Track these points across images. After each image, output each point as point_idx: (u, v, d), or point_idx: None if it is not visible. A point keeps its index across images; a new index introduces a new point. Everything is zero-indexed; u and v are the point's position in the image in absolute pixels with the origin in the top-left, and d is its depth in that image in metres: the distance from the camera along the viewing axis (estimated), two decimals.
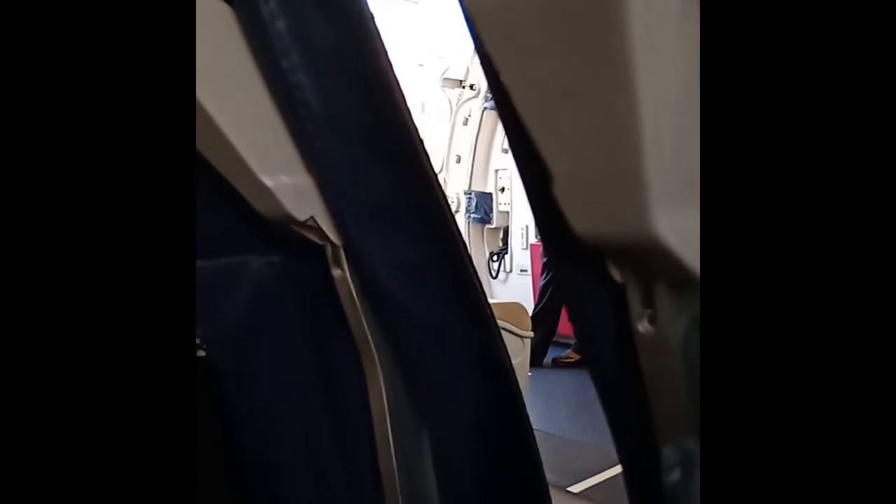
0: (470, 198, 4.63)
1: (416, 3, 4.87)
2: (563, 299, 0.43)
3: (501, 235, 4.77)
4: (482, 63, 0.37)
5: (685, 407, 0.40)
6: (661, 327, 0.39)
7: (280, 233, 0.58)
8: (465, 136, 4.70)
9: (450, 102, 4.79)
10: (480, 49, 0.35)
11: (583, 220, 0.35)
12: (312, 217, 0.55)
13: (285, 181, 0.53)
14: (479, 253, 4.77)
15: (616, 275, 0.39)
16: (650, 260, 0.35)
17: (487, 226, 4.74)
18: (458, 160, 4.70)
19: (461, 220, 4.66)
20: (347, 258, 0.57)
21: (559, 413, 3.14)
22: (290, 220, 0.55)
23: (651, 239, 0.32)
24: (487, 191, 4.70)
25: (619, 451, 0.44)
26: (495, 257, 4.78)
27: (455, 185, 4.73)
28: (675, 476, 0.34)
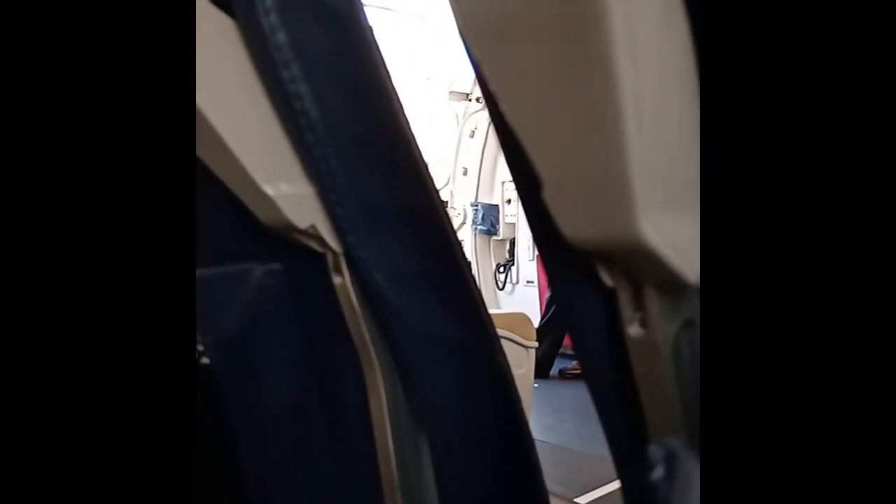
0: (476, 209, 4.64)
1: (423, 17, 4.91)
2: (556, 303, 0.44)
3: (508, 247, 4.78)
4: (475, 72, 0.38)
5: (676, 409, 0.41)
6: (652, 331, 0.39)
7: (281, 241, 0.59)
8: (472, 149, 4.73)
9: (456, 115, 4.82)
10: (471, 57, 0.36)
11: (571, 225, 0.36)
12: (313, 225, 0.56)
13: (286, 189, 0.54)
14: (485, 264, 4.78)
15: (606, 279, 0.39)
16: (637, 263, 0.36)
17: (494, 237, 4.75)
18: (465, 172, 4.72)
19: (468, 231, 4.67)
20: (347, 265, 0.58)
21: (566, 424, 3.13)
22: (291, 227, 0.56)
23: (635, 242, 0.33)
24: (494, 202, 4.71)
25: (613, 453, 0.45)
26: (502, 269, 4.78)
27: (462, 197, 4.75)
28: (665, 478, 0.35)
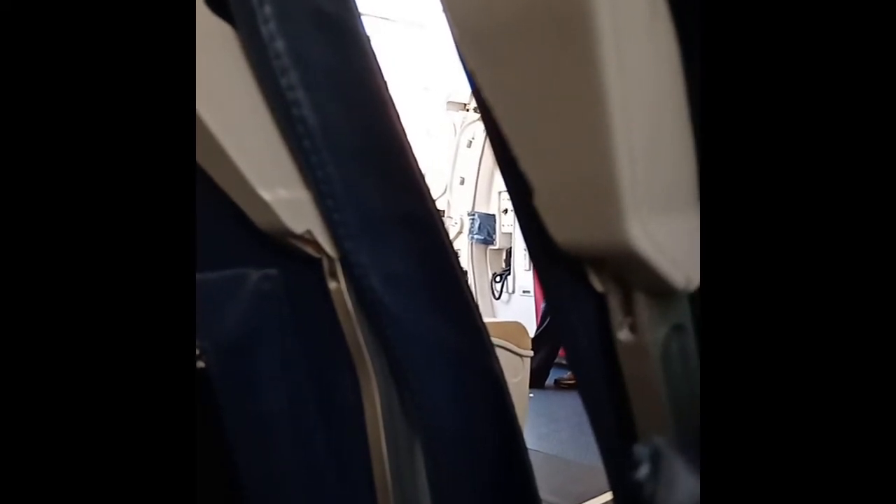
0: (473, 219, 4.65)
1: (421, 27, 4.94)
2: (548, 308, 0.44)
3: (504, 256, 4.78)
4: (468, 80, 0.39)
5: (665, 412, 0.41)
6: (641, 335, 0.40)
7: (278, 246, 0.60)
8: (469, 158, 4.74)
9: (454, 125, 4.84)
10: (465, 66, 0.37)
11: (562, 230, 0.36)
12: (309, 230, 0.57)
13: (283, 195, 0.55)
14: (482, 274, 4.78)
15: (597, 284, 0.40)
16: (626, 268, 0.37)
17: (490, 247, 4.75)
18: (462, 182, 4.73)
19: (464, 241, 4.68)
20: (343, 271, 0.59)
21: (561, 434, 3.13)
22: (288, 233, 0.57)
23: (623, 246, 0.34)
24: (491, 212, 4.73)
25: (603, 455, 0.45)
26: (498, 278, 4.79)
27: (458, 207, 4.76)
28: (650, 476, 0.35)
